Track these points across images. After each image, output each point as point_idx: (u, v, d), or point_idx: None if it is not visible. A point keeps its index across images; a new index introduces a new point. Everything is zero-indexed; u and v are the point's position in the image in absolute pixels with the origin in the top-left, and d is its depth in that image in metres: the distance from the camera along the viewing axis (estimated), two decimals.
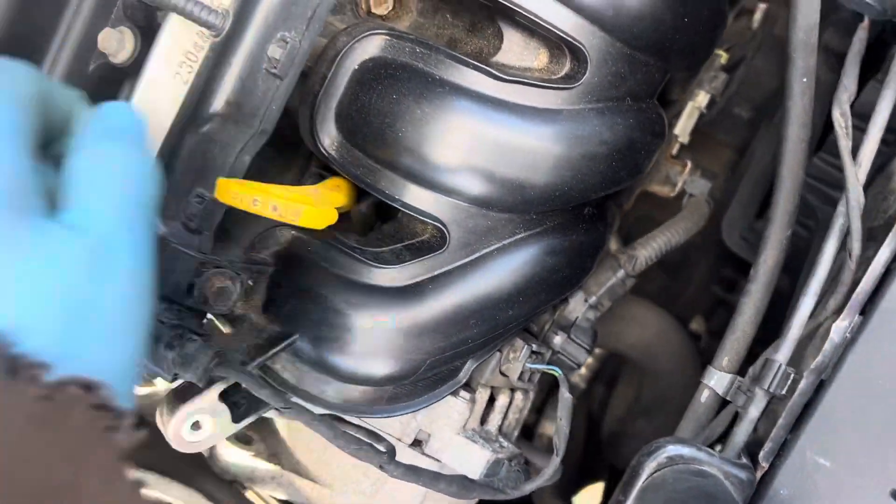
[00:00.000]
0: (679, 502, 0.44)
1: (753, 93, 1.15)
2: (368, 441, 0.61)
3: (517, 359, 0.71)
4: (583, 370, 1.34)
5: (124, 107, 0.48)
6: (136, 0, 0.64)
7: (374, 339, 0.61)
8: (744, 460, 0.50)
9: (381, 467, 0.62)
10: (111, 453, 0.37)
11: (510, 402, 0.76)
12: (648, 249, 0.82)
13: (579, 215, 0.68)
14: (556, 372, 0.70)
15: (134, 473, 0.38)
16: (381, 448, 0.62)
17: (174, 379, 0.56)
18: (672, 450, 0.48)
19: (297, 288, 0.63)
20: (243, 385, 0.57)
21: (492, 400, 0.76)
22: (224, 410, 0.60)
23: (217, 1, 0.57)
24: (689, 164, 0.93)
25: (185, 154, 0.57)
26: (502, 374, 0.72)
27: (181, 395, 0.60)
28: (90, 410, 0.36)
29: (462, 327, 0.62)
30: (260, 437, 0.75)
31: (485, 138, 0.60)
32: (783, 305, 0.70)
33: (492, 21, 0.64)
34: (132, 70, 0.66)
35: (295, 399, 0.61)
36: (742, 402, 0.58)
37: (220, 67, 0.56)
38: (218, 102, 0.57)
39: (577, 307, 0.81)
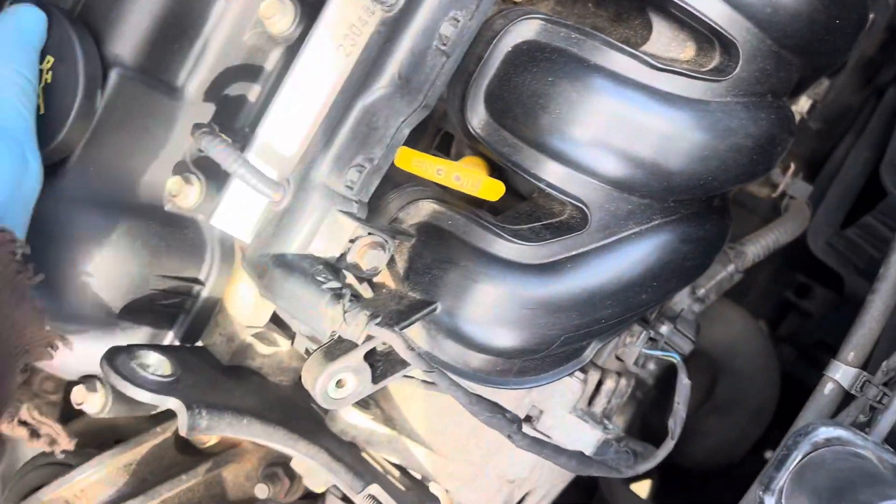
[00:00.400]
0: (844, 480, 0.45)
1: (828, 106, 1.15)
2: (501, 410, 0.63)
3: (634, 343, 0.73)
4: (651, 366, 1.36)
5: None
6: None
7: (511, 311, 0.64)
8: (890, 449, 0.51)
9: (509, 437, 0.64)
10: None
11: (615, 387, 0.78)
12: (757, 247, 0.84)
13: (710, 206, 0.69)
14: (675, 358, 0.71)
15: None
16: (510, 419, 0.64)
17: (331, 336, 0.59)
18: (827, 431, 0.50)
19: (438, 259, 0.65)
20: (394, 346, 0.59)
21: (598, 383, 0.78)
22: (366, 370, 0.63)
23: None
24: (793, 167, 0.94)
25: (351, 123, 0.60)
26: (618, 358, 0.74)
27: (329, 354, 0.62)
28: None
29: (597, 307, 0.64)
30: (376, 401, 0.77)
31: (636, 124, 0.61)
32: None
33: (641, 11, 0.66)
34: (289, 40, 0.69)
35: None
36: (873, 394, 0.59)
37: (391, 42, 0.59)
38: (387, 75, 0.59)
39: (684, 298, 0.83)
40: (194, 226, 0.73)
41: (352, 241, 0.62)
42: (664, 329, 0.78)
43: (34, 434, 0.73)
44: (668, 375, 1.36)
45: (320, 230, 0.60)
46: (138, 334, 0.71)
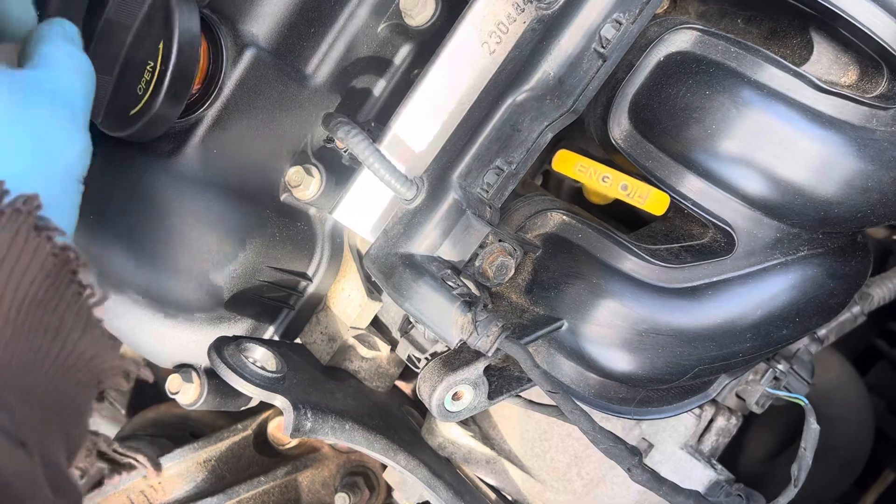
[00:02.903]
0: None
1: None
2: (622, 441, 0.59)
3: (757, 381, 0.69)
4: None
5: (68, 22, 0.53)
6: None
7: (643, 336, 0.60)
8: None
9: (628, 470, 0.60)
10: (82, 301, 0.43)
11: (726, 425, 0.74)
12: (883, 290, 0.79)
13: (855, 241, 0.65)
14: (803, 401, 0.67)
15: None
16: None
17: (458, 345, 0.56)
18: None
19: (566, 273, 0.61)
20: (520, 362, 0.56)
21: (710, 420, 0.73)
22: (484, 385, 0.59)
23: None
24: None
25: (496, 123, 0.57)
26: (738, 396, 0.69)
27: (449, 364, 0.59)
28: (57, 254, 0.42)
29: (736, 340, 0.60)
30: (474, 419, 0.74)
31: (795, 146, 0.57)
32: None
33: (801, 30, 0.62)
34: (425, 34, 0.67)
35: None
36: None
37: (546, 40, 0.55)
38: (539, 75, 0.56)
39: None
40: (307, 219, 0.70)
41: (481, 246, 0.58)
42: (781, 368, 0.74)
43: (115, 467, 0.71)
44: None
45: (452, 233, 0.57)
46: (240, 326, 0.69)
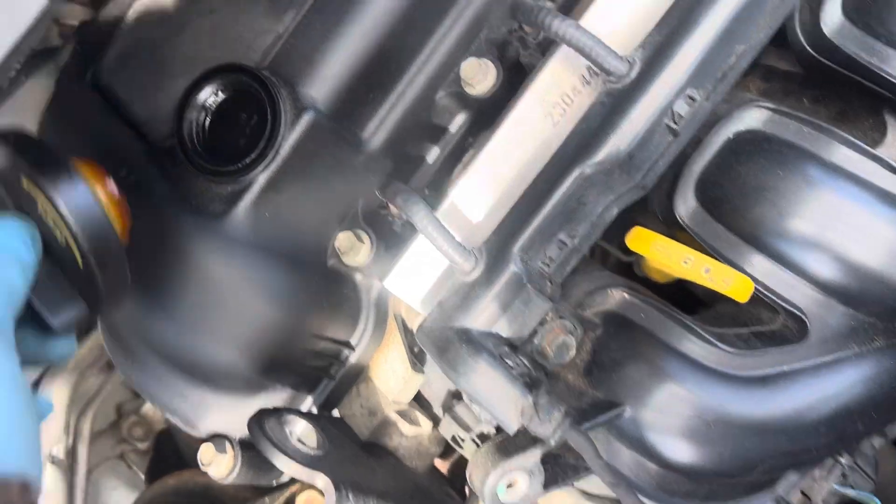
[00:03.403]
0: None
1: None
2: None
3: (825, 478, 0.65)
4: None
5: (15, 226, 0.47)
6: (516, 33, 0.63)
7: (709, 426, 0.56)
8: None
9: None
10: None
11: None
12: None
13: None
14: (875, 501, 0.62)
15: None
16: None
17: (517, 430, 0.52)
18: None
19: (628, 354, 0.58)
20: (581, 452, 0.52)
21: None
22: (540, 473, 0.56)
23: (624, 48, 0.55)
24: None
25: (561, 195, 0.55)
26: (803, 493, 0.65)
27: (504, 450, 0.55)
28: None
29: (808, 434, 0.57)
30: None
31: (874, 232, 0.55)
32: None
33: (873, 112, 0.60)
34: (483, 103, 0.65)
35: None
36: None
37: (617, 114, 0.54)
38: (608, 149, 0.54)
39: None
40: (352, 286, 0.68)
41: (541, 323, 0.56)
42: (844, 462, 0.69)
43: None
44: None
45: (511, 308, 0.55)
46: (279, 396, 0.66)
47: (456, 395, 0.70)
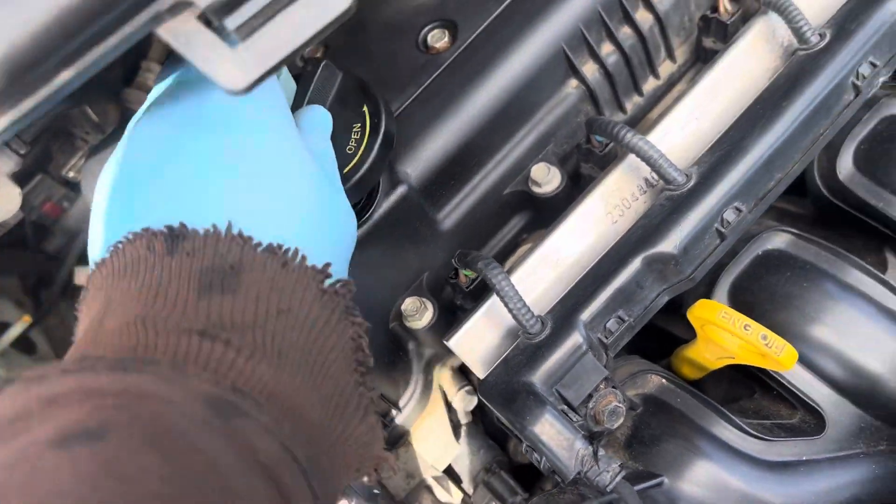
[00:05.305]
0: None
1: None
2: None
3: None
4: None
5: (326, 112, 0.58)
6: (583, 147, 0.74)
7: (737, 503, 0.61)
8: None
9: None
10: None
11: None
12: None
13: None
14: None
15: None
16: None
17: (573, 478, 0.57)
18: None
19: (666, 432, 0.64)
20: None
21: None
22: None
23: (684, 161, 0.66)
24: None
25: (624, 277, 0.63)
26: None
27: (553, 502, 0.59)
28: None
29: None
30: None
31: (883, 346, 0.64)
32: None
33: (876, 250, 0.71)
34: (543, 204, 0.75)
35: None
36: None
37: (676, 214, 0.63)
38: (667, 244, 0.63)
39: None
40: (406, 351, 0.73)
41: (595, 389, 0.62)
42: None
43: None
44: None
45: (572, 371, 0.61)
46: None
47: (489, 469, 0.74)
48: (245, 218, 0.42)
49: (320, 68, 0.58)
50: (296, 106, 0.57)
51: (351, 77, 0.61)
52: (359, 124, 0.59)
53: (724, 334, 0.60)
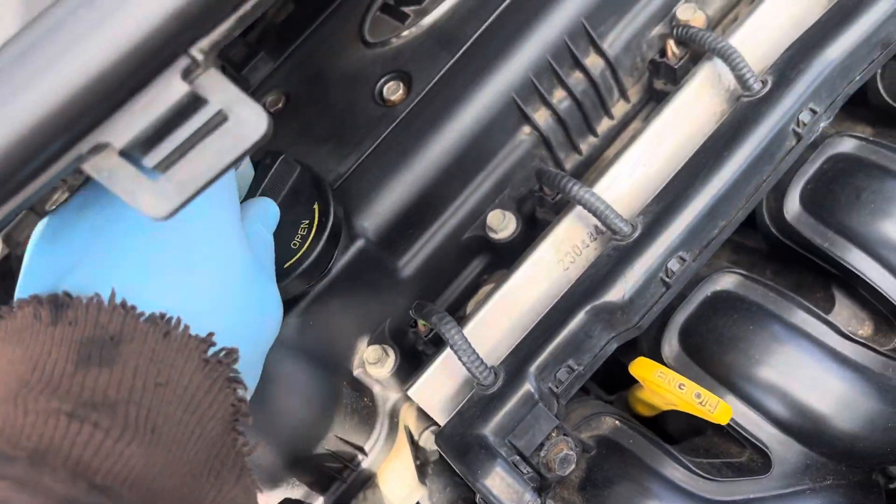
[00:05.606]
0: None
1: None
2: None
3: None
4: None
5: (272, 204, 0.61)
6: (536, 193, 0.76)
7: None
8: None
9: None
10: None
11: None
12: None
13: (871, 479, 0.71)
14: None
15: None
16: None
17: None
18: None
19: (618, 474, 0.66)
20: None
21: None
22: None
23: (625, 212, 0.68)
24: None
25: (572, 327, 0.65)
26: None
27: None
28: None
29: None
30: None
31: (825, 384, 0.66)
32: None
33: (824, 287, 0.73)
34: (501, 249, 0.77)
35: None
36: None
37: (622, 265, 0.65)
38: (613, 294, 0.65)
39: None
40: (371, 396, 0.75)
41: (547, 438, 0.64)
42: None
43: None
44: None
45: (523, 422, 0.63)
46: (297, 491, 0.71)
47: None
48: (148, 292, 0.44)
49: (278, 162, 0.61)
50: (250, 194, 0.59)
51: (308, 173, 0.63)
52: (307, 221, 0.62)
53: (661, 391, 0.62)
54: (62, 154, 0.34)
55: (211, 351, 0.45)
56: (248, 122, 0.36)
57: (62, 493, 0.36)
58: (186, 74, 0.35)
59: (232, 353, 0.46)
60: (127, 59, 0.32)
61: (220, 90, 0.36)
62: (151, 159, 0.35)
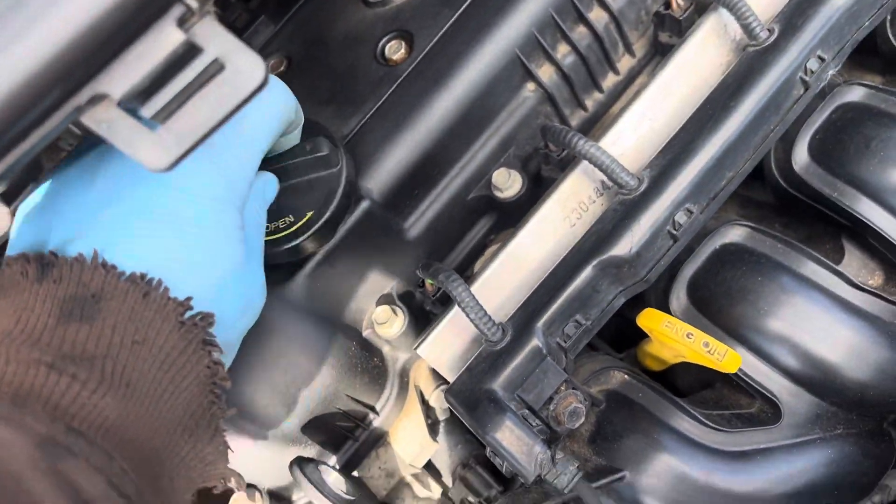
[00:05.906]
0: None
1: None
2: None
3: None
4: None
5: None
6: (541, 150, 0.75)
7: (698, 493, 0.64)
8: None
9: None
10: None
11: None
12: None
13: (882, 427, 0.71)
14: None
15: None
16: None
17: (535, 479, 0.60)
18: None
19: (628, 427, 0.67)
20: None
21: None
22: None
23: (631, 167, 0.68)
24: None
25: (579, 282, 0.65)
26: None
27: (517, 502, 0.62)
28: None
29: None
30: None
31: (836, 334, 0.66)
32: None
33: (833, 237, 0.73)
34: (507, 207, 0.77)
35: None
36: None
37: (629, 219, 0.65)
38: (620, 248, 0.65)
39: None
40: (381, 356, 0.76)
41: (556, 392, 0.64)
42: None
43: None
44: None
45: (532, 376, 0.63)
46: (309, 451, 0.72)
47: (466, 465, 0.77)
48: (131, 252, 0.45)
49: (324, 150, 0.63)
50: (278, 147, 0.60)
51: (321, 130, 0.64)
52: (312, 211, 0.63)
53: (669, 341, 0.62)
54: (61, 104, 0.34)
55: (188, 314, 0.46)
56: (245, 71, 0.36)
57: (41, 431, 0.38)
58: (182, 22, 0.35)
59: (208, 317, 0.47)
60: (121, 6, 0.32)
61: (216, 39, 0.36)
62: (149, 109, 0.35)
